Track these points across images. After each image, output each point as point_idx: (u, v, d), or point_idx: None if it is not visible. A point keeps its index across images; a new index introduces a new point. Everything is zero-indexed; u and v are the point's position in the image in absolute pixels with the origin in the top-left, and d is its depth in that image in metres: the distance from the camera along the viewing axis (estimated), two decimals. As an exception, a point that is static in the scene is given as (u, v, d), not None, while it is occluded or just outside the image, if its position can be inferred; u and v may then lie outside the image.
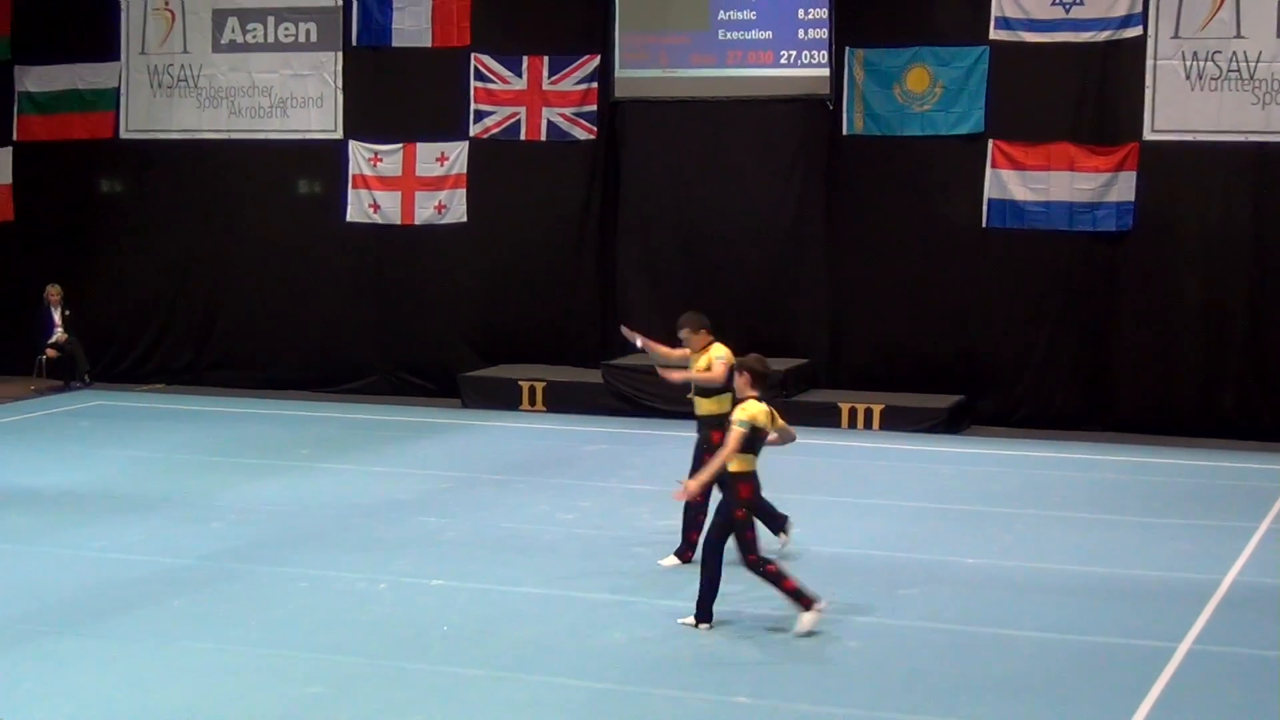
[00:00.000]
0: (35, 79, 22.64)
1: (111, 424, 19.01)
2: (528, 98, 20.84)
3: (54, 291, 21.62)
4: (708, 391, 12.16)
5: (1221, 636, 10.77)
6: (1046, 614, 11.30)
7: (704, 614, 10.86)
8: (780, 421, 10.95)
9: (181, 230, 22.16)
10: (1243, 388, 18.58)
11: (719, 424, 11.71)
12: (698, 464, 12.03)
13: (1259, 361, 18.54)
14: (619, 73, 20.49)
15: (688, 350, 12.52)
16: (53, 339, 21.51)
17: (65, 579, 11.97)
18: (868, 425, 18.62)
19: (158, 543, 13.08)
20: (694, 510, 12.12)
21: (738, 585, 11.84)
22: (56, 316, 21.58)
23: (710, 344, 12.31)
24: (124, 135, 22.42)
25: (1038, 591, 11.88)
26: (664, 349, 12.87)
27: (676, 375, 12.58)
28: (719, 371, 12.01)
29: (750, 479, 10.88)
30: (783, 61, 19.89)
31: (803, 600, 10.71)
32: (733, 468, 10.73)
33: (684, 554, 12.34)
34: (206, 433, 18.41)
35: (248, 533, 13.47)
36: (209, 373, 22.11)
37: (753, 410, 10.71)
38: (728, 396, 11.84)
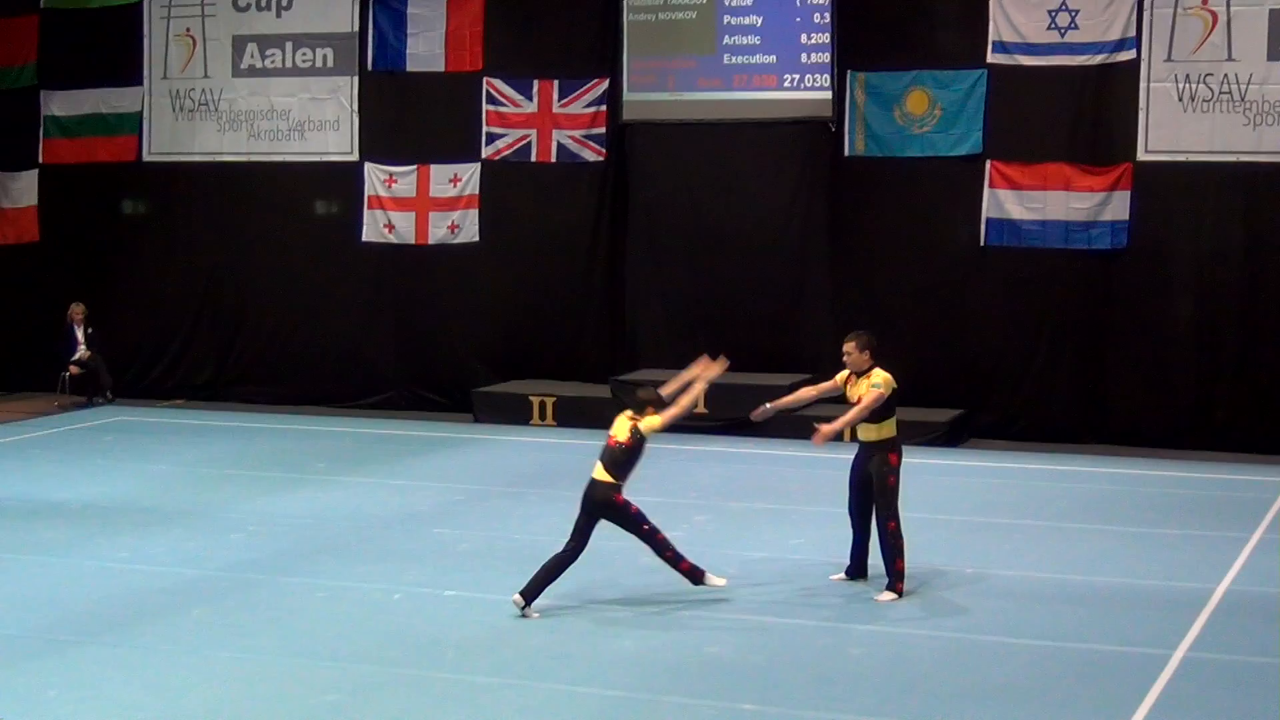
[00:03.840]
0: (61, 103, 22.70)
1: (134, 439, 19.02)
2: (538, 120, 20.87)
3: (77, 310, 21.65)
4: (875, 415, 11.84)
5: (1216, 644, 10.76)
6: (1044, 622, 11.30)
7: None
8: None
9: (202, 250, 22.21)
10: (1234, 401, 18.57)
11: (893, 446, 11.85)
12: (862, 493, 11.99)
13: (1250, 376, 18.53)
14: (627, 95, 20.53)
15: (838, 378, 12.08)
16: (76, 356, 21.55)
17: (90, 589, 12.00)
18: (871, 439, 18.61)
19: (179, 554, 13.10)
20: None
21: (746, 595, 11.85)
22: (80, 334, 21.61)
23: (872, 368, 11.90)
24: (147, 158, 22.46)
25: (1036, 600, 11.88)
26: (808, 393, 12.38)
27: (832, 427, 11.80)
28: (874, 397, 11.72)
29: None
30: (786, 84, 19.93)
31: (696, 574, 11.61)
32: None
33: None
34: (226, 447, 18.43)
35: (266, 544, 13.48)
36: (229, 389, 22.13)
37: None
38: (893, 421, 11.86)
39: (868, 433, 11.93)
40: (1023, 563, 13.01)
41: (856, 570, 12.20)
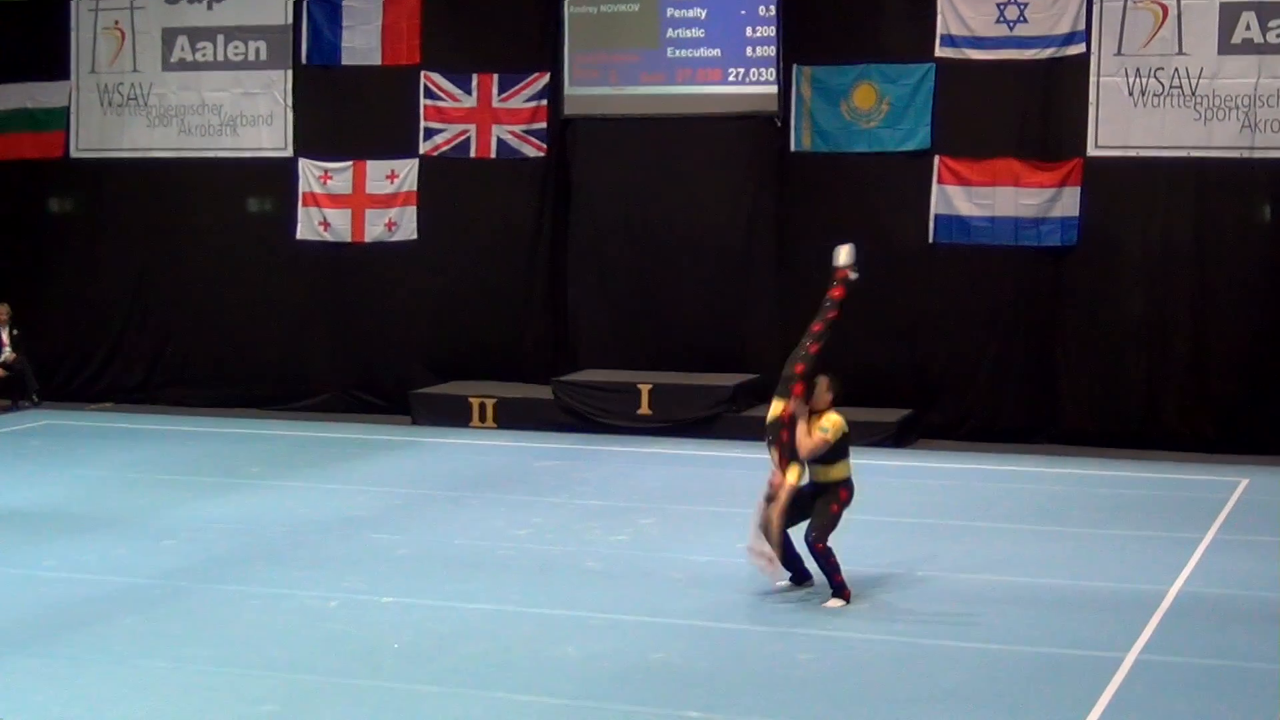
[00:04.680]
0: (-16, 99, 22.55)
1: (61, 443, 18.88)
2: (478, 115, 20.83)
3: (2, 311, 21.43)
4: (825, 457, 11.82)
5: (1168, 646, 10.83)
6: (995, 625, 11.35)
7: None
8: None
9: (132, 249, 22.06)
10: (1185, 401, 18.71)
11: (845, 485, 11.89)
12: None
13: (1201, 375, 18.66)
14: (569, 90, 20.51)
15: (792, 405, 11.87)
16: (1, 359, 21.36)
17: (16, 599, 11.88)
18: (817, 439, 18.66)
19: (109, 562, 13.00)
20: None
21: (692, 600, 11.86)
22: (4, 336, 21.41)
23: (827, 411, 11.86)
24: (74, 154, 22.30)
25: (986, 603, 11.93)
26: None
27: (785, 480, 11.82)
28: (819, 441, 11.71)
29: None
30: (731, 79, 19.95)
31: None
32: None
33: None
34: (157, 451, 18.32)
35: (199, 551, 13.40)
36: (160, 391, 21.99)
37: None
38: (846, 463, 11.90)
39: (820, 474, 11.95)
40: (973, 565, 13.06)
41: (798, 576, 12.19)
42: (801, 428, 11.77)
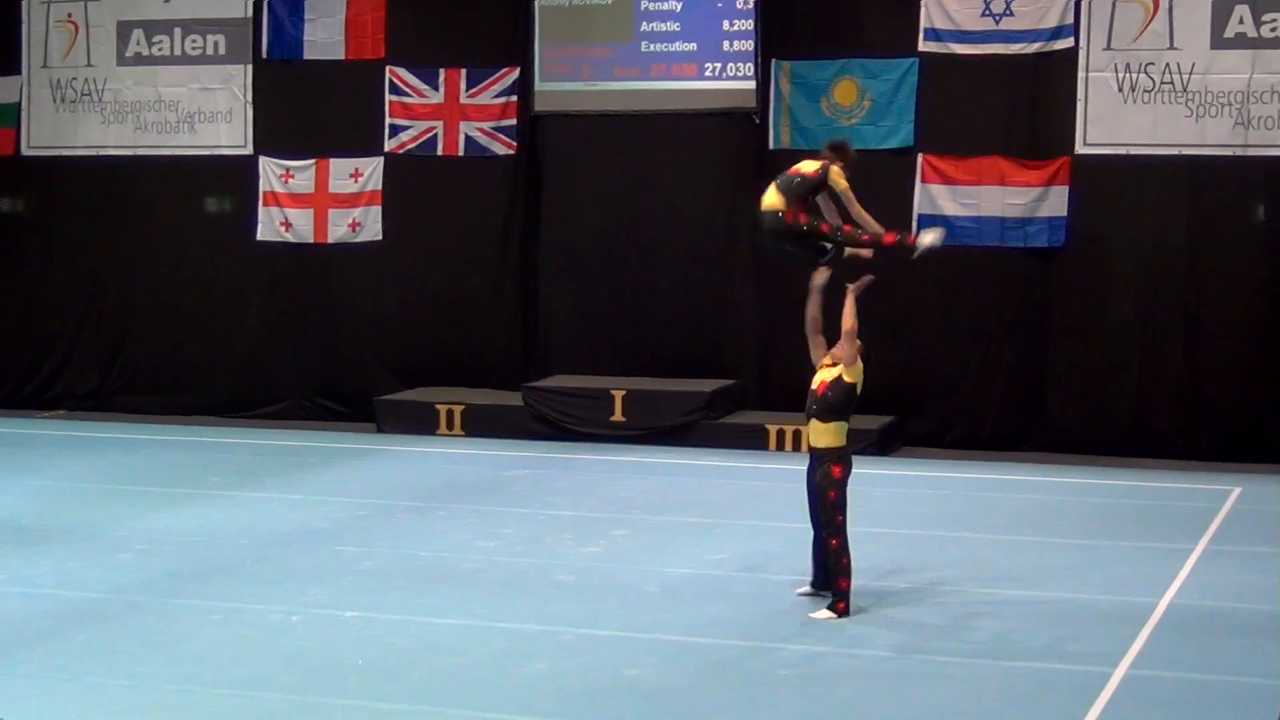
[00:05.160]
0: (-68, 94, 22.49)
1: (12, 452, 18.83)
2: (445, 111, 20.84)
3: (-49, 315, 21.45)
4: (826, 414, 11.88)
5: (1159, 660, 10.88)
6: (981, 639, 11.38)
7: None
8: None
9: (86, 251, 22.01)
10: (1179, 406, 18.77)
11: (838, 458, 11.86)
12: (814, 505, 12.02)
13: (1195, 380, 18.73)
14: (539, 85, 20.52)
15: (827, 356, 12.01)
16: (-50, 364, 21.35)
17: (-35, 614, 11.87)
18: (795, 447, 18.68)
19: (61, 575, 12.97)
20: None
21: (666, 614, 11.87)
22: (-47, 341, 21.41)
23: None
24: (26, 152, 22.23)
25: (972, 616, 11.96)
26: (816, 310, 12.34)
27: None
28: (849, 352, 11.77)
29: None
30: (708, 74, 19.98)
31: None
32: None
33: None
34: (112, 460, 18.29)
35: (156, 564, 13.38)
36: (115, 398, 21.94)
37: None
38: (844, 427, 11.89)
39: (816, 436, 11.97)
40: (958, 577, 13.10)
41: (824, 580, 12.22)
42: (851, 303, 11.88)
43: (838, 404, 11.85)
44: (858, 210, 12.40)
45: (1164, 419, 18.82)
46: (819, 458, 11.95)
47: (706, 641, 11.21)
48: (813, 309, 12.20)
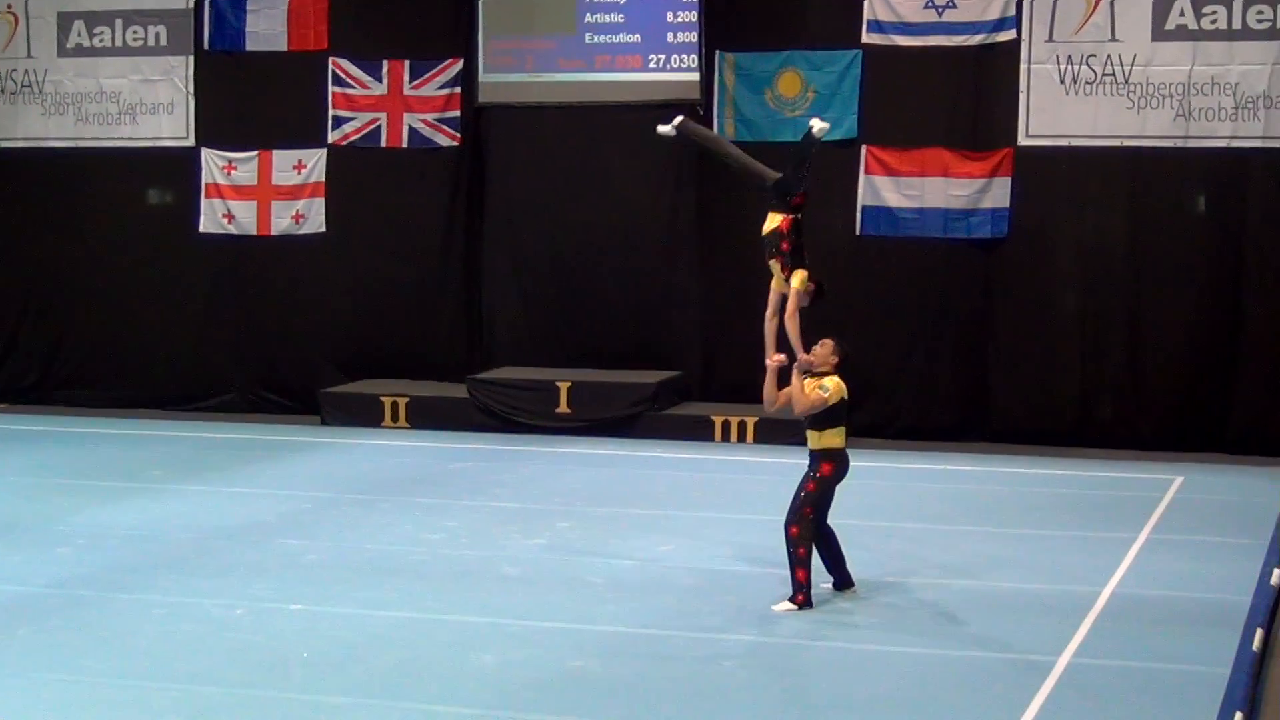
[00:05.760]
0: None
1: (-47, 446, 18.73)
2: (388, 103, 20.78)
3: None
4: (819, 424, 11.96)
5: (1102, 649, 10.94)
6: (924, 629, 11.44)
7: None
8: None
9: (26, 243, 21.85)
10: (1120, 397, 18.88)
11: (830, 456, 11.93)
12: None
13: (1136, 370, 18.84)
14: (483, 77, 20.48)
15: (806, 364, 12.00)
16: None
17: (-95, 610, 11.79)
18: (741, 438, 18.75)
19: (2, 570, 12.88)
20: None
21: (612, 606, 11.89)
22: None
23: (831, 374, 11.99)
24: (-35, 144, 22.14)
25: (916, 606, 12.02)
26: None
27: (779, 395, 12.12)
28: (817, 399, 11.82)
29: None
30: (652, 65, 19.98)
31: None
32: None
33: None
34: (53, 455, 18.18)
35: (98, 558, 13.31)
36: (56, 392, 21.79)
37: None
38: (838, 432, 11.98)
39: (811, 440, 12.08)
40: (901, 567, 13.15)
41: (840, 582, 12.27)
42: (798, 383, 11.83)
43: (825, 418, 11.97)
44: (792, 317, 12.22)
45: (1106, 409, 18.94)
46: (816, 457, 12.06)
47: (652, 633, 11.23)
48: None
